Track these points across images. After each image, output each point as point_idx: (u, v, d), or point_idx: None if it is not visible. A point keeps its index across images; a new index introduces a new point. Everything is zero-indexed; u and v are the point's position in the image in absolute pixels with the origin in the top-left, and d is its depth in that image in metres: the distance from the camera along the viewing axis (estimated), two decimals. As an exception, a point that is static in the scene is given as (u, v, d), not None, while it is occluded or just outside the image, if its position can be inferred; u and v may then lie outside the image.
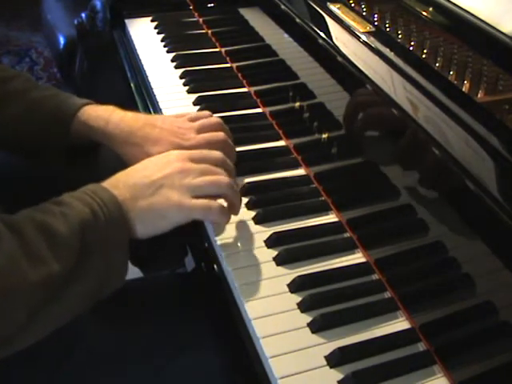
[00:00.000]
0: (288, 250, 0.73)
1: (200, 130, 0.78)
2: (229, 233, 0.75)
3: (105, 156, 0.86)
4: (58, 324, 0.61)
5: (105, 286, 0.64)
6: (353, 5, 0.84)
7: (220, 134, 0.78)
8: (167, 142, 0.76)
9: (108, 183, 0.67)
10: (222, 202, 0.71)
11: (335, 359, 0.61)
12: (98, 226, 0.61)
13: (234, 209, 0.72)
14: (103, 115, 0.80)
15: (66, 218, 0.60)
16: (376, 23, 0.79)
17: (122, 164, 0.75)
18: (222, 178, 0.70)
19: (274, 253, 0.73)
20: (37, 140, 0.84)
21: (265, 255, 0.73)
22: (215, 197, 0.70)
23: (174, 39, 1.18)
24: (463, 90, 0.65)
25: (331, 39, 0.79)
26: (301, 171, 0.87)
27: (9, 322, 0.56)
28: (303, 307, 0.66)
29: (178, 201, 0.67)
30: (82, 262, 0.60)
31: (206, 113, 0.85)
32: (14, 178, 0.92)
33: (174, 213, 0.67)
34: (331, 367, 0.61)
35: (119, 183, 0.67)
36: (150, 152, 0.75)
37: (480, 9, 0.70)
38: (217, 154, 0.74)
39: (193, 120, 0.81)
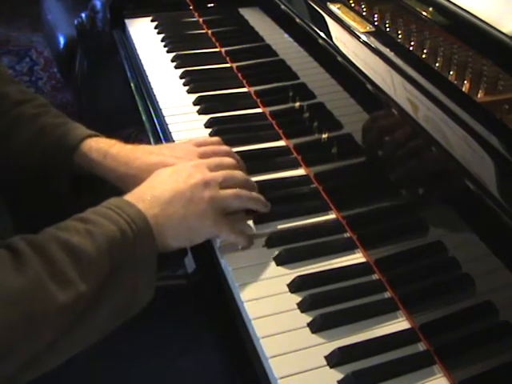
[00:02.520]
0: (288, 250, 0.73)
1: (203, 156, 0.77)
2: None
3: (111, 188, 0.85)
4: (84, 346, 0.61)
5: (132, 304, 0.63)
6: (353, 5, 0.84)
7: (225, 159, 0.77)
8: (164, 165, 0.74)
9: (132, 197, 0.66)
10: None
11: (335, 359, 0.61)
12: (126, 243, 0.60)
13: (263, 207, 0.75)
14: (103, 148, 0.79)
15: (93, 237, 0.59)
16: (376, 23, 0.79)
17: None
18: (242, 191, 0.72)
19: (274, 253, 0.73)
20: (41, 167, 0.83)
21: (265, 255, 0.73)
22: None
23: (174, 39, 1.18)
24: (463, 90, 0.65)
25: (331, 39, 0.79)
26: (301, 171, 0.87)
27: (34, 344, 0.55)
28: (303, 307, 0.66)
29: (212, 217, 0.68)
30: (110, 281, 0.59)
31: (215, 139, 0.84)
32: (19, 190, 0.91)
33: (207, 227, 0.68)
34: (331, 367, 0.61)
35: (145, 196, 0.66)
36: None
37: (480, 9, 0.70)
38: (229, 160, 0.76)
39: (199, 145, 0.80)
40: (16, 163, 0.85)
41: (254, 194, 0.74)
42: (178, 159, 0.75)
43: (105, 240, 0.59)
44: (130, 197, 0.66)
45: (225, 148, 0.81)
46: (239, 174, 0.74)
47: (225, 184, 0.71)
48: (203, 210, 0.67)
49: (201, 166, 0.71)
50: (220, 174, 0.71)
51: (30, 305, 0.54)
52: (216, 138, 0.84)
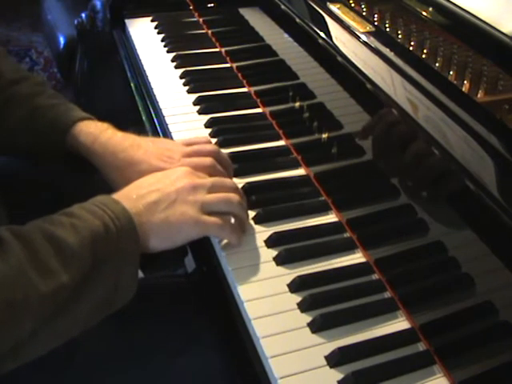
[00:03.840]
0: (288, 249, 0.73)
1: (191, 156, 0.77)
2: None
3: None
4: (66, 337, 0.61)
5: (114, 299, 0.63)
6: (353, 5, 0.84)
7: (207, 160, 0.76)
8: (148, 164, 0.75)
9: (119, 195, 0.67)
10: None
11: (335, 359, 0.61)
12: (109, 238, 0.61)
13: (242, 226, 0.73)
14: (94, 132, 0.80)
15: (77, 230, 0.60)
16: (376, 23, 0.79)
17: None
18: (233, 195, 0.72)
19: (274, 253, 0.73)
20: (36, 147, 0.83)
21: (265, 255, 0.73)
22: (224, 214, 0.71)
23: (174, 39, 1.18)
24: (463, 90, 0.65)
25: (331, 39, 0.79)
26: (301, 171, 0.87)
27: (14, 333, 0.55)
28: (303, 307, 0.66)
29: (193, 217, 0.67)
30: (92, 274, 0.60)
31: (204, 138, 0.84)
32: (14, 181, 0.92)
33: (190, 228, 0.68)
34: (331, 367, 0.61)
35: (131, 195, 0.67)
36: (129, 176, 0.74)
37: (480, 9, 0.70)
38: (220, 168, 0.75)
39: (187, 145, 0.80)
40: (10, 145, 0.85)
41: (243, 202, 0.74)
42: (162, 162, 0.75)
43: (88, 233, 0.60)
44: (116, 195, 0.67)
45: (209, 147, 0.80)
46: (229, 181, 0.74)
47: (213, 190, 0.71)
48: (185, 212, 0.67)
49: (191, 172, 0.72)
50: (209, 180, 0.71)
51: (10, 292, 0.54)
52: (204, 137, 0.84)
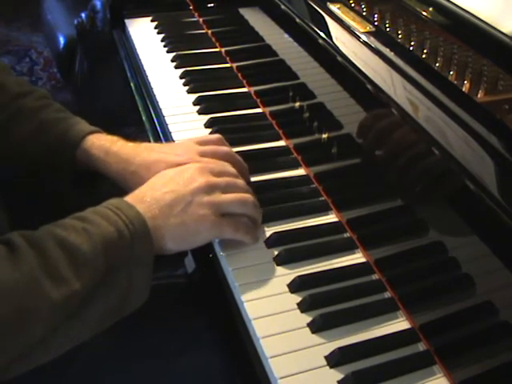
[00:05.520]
0: (288, 250, 0.73)
1: (206, 155, 0.76)
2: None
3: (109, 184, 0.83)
4: (77, 342, 0.61)
5: (126, 304, 0.63)
6: (353, 5, 0.84)
7: (226, 166, 0.75)
8: (165, 162, 0.74)
9: (132, 198, 0.66)
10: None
11: (335, 359, 0.61)
12: (123, 244, 0.61)
13: (256, 227, 0.73)
14: (105, 145, 0.79)
15: (90, 236, 0.59)
16: (376, 23, 0.79)
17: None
18: (248, 196, 0.72)
19: (274, 253, 0.73)
20: (42, 162, 0.83)
21: (265, 255, 0.73)
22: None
23: (174, 39, 1.18)
24: (463, 90, 0.65)
25: (331, 39, 0.79)
26: (301, 171, 0.87)
27: (25, 340, 0.55)
28: (303, 307, 0.66)
29: (211, 219, 0.67)
30: (105, 281, 0.59)
31: (217, 138, 0.82)
32: (15, 184, 0.91)
33: (207, 231, 0.68)
34: (331, 367, 0.61)
35: (145, 197, 0.66)
36: (148, 178, 0.73)
37: (480, 9, 0.70)
38: (232, 169, 0.75)
39: (200, 144, 0.79)
40: (16, 158, 0.85)
41: (256, 202, 0.74)
42: (178, 156, 0.75)
43: (102, 240, 0.59)
44: (130, 198, 0.66)
45: (224, 149, 0.80)
46: (241, 182, 0.74)
47: (227, 190, 0.71)
48: (202, 215, 0.67)
49: (204, 170, 0.71)
50: (223, 181, 0.71)
51: (22, 300, 0.54)
52: (217, 136, 0.83)
